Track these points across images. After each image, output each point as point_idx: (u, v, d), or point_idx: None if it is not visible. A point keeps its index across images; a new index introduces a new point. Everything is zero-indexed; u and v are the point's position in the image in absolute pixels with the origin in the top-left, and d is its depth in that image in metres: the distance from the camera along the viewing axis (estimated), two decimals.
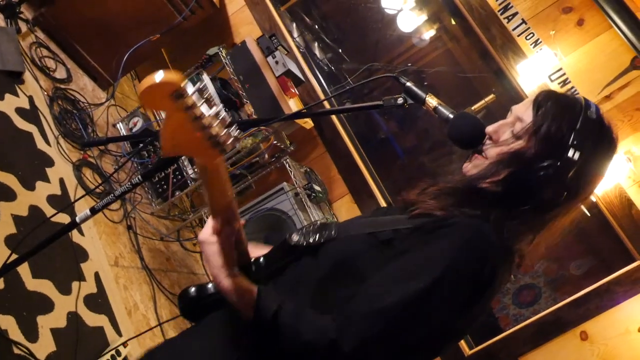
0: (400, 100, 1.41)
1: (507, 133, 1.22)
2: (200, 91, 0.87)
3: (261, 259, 1.23)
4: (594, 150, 1.17)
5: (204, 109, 0.87)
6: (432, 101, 1.38)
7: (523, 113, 1.21)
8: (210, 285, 1.24)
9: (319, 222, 1.33)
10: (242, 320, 1.09)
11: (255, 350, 1.09)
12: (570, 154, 1.13)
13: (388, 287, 1.06)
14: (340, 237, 1.19)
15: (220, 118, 0.89)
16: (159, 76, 0.81)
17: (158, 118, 3.11)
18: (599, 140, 1.18)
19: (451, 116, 1.33)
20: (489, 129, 1.25)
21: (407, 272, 1.07)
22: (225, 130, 0.90)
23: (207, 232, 1.14)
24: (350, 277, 1.12)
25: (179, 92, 0.83)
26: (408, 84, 1.41)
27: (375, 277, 1.09)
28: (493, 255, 1.09)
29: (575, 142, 1.13)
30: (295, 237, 1.21)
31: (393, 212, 1.31)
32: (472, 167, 1.25)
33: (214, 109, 0.89)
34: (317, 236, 1.19)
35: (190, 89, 0.85)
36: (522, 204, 1.17)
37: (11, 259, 1.63)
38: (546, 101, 1.19)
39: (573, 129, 1.14)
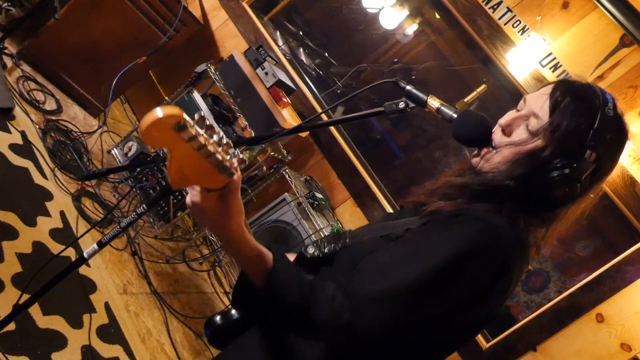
0: (401, 105, 1.39)
1: (521, 128, 1.20)
2: (201, 120, 0.87)
3: None
4: (610, 148, 1.17)
5: (205, 137, 0.87)
6: (434, 102, 1.35)
7: (539, 108, 1.18)
8: (233, 311, 1.24)
9: (333, 232, 1.33)
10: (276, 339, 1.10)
11: None
12: (587, 155, 1.12)
13: (395, 266, 1.06)
14: (354, 243, 1.20)
15: (224, 144, 0.89)
16: (159, 112, 0.80)
17: None
18: (615, 138, 1.18)
19: (455, 116, 1.31)
20: (502, 121, 1.24)
21: (415, 253, 1.08)
22: (229, 154, 0.90)
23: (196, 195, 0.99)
24: None
25: (180, 124, 0.82)
26: (408, 87, 1.38)
27: (380, 254, 1.10)
28: (505, 247, 1.08)
29: (592, 143, 1.12)
30: (310, 250, 1.21)
31: (405, 215, 1.30)
32: (483, 162, 1.23)
33: (215, 136, 0.88)
34: (332, 246, 1.20)
35: (189, 119, 0.85)
36: (536, 200, 1.16)
37: (21, 299, 1.60)
38: (564, 96, 1.16)
39: (591, 128, 1.12)
